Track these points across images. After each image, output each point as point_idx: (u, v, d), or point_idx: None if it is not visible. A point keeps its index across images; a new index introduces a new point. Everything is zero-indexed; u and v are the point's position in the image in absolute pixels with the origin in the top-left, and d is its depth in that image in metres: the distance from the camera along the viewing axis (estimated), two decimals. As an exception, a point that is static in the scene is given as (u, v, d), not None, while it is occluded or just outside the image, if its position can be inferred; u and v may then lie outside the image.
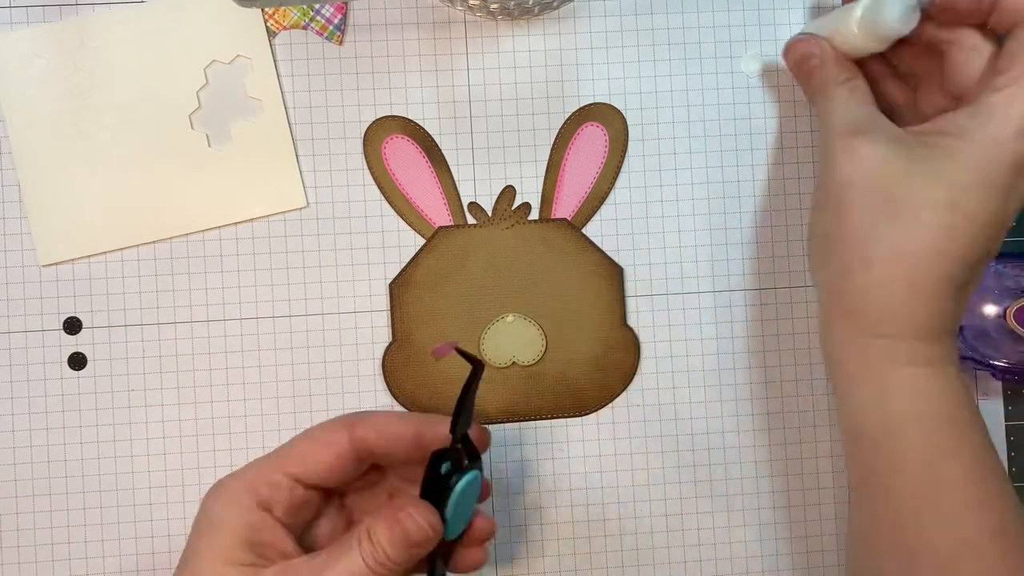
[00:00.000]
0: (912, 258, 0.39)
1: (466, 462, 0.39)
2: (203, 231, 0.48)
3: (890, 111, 0.46)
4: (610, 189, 0.49)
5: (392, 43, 0.48)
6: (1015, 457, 0.50)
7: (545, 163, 0.49)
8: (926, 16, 0.42)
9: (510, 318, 0.49)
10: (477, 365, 0.39)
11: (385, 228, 0.48)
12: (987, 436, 0.41)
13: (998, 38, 0.42)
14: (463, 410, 0.39)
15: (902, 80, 0.46)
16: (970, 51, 0.42)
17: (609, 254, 0.49)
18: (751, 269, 0.49)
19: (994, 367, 0.47)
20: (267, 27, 0.48)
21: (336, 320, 0.48)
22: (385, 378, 0.48)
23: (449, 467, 0.39)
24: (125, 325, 0.48)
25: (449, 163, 0.48)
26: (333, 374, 0.48)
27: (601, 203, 0.49)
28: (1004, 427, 0.50)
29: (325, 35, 0.48)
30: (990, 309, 0.47)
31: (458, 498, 0.39)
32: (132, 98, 0.47)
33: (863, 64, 0.45)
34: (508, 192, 0.49)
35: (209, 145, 0.48)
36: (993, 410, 0.50)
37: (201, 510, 0.40)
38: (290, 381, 0.48)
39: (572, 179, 0.49)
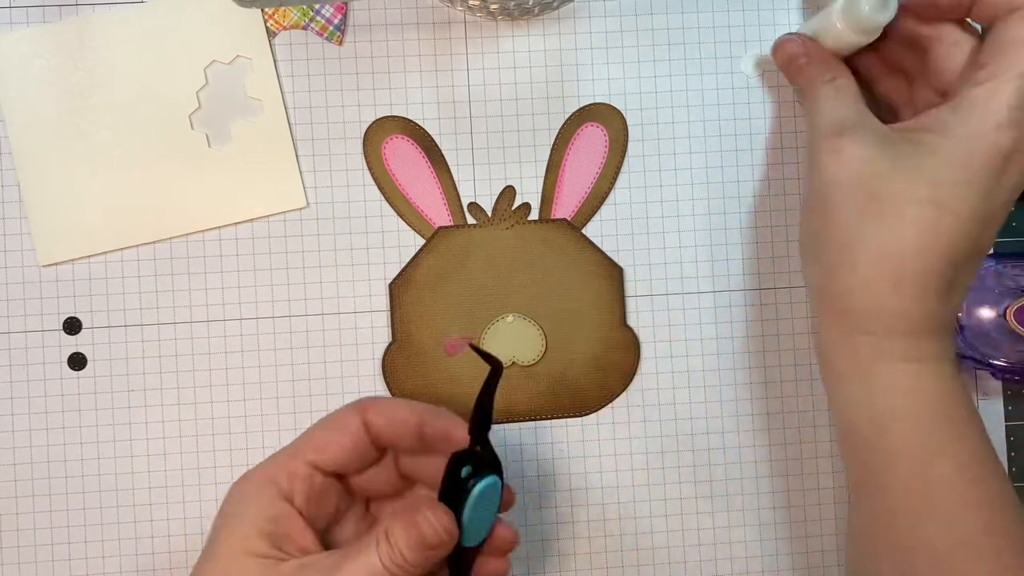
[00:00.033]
0: (897, 256, 0.39)
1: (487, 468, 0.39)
2: (203, 231, 0.48)
3: (888, 108, 0.46)
4: (610, 189, 0.49)
5: (392, 43, 0.48)
6: (1015, 457, 0.50)
7: (545, 163, 0.49)
8: (909, 10, 0.43)
9: (510, 318, 0.49)
10: (496, 365, 0.39)
11: (385, 228, 0.48)
12: (983, 433, 0.41)
13: (979, 32, 0.42)
14: (482, 412, 0.39)
15: (897, 76, 0.46)
16: (951, 46, 0.42)
17: (609, 254, 0.49)
18: (751, 269, 0.49)
19: (994, 367, 0.47)
20: (267, 27, 0.48)
21: (336, 320, 0.48)
22: (385, 378, 0.48)
23: (470, 471, 0.39)
24: (125, 325, 0.48)
25: (449, 163, 0.48)
26: (333, 374, 0.48)
27: (601, 203, 0.49)
28: (1004, 427, 0.50)
29: (325, 35, 0.48)
30: (990, 309, 0.47)
31: (475, 503, 0.38)
32: (132, 98, 0.47)
33: (860, 61, 0.46)
34: (508, 192, 0.49)
35: (209, 145, 0.48)
36: (993, 410, 0.50)
37: (224, 502, 0.41)
38: (290, 381, 0.48)
39: (572, 179, 0.49)
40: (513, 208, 0.49)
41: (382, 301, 0.48)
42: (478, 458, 0.39)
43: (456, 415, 0.42)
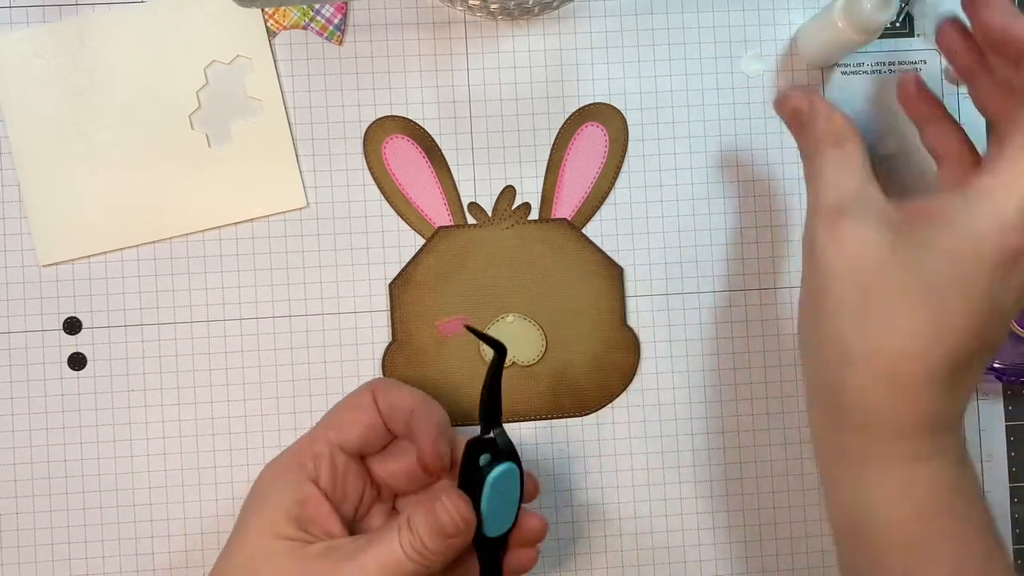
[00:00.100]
0: (893, 357, 0.36)
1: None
2: (203, 231, 0.48)
3: (933, 156, 0.45)
4: (610, 189, 0.49)
5: (392, 43, 0.48)
6: (1015, 457, 0.50)
7: (545, 163, 0.49)
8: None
9: (510, 318, 0.48)
10: (499, 348, 0.39)
11: (385, 228, 0.48)
12: (986, 526, 0.38)
13: None
14: (490, 398, 0.39)
15: (944, 123, 0.44)
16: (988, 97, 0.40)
17: (609, 254, 0.49)
18: (751, 269, 0.49)
19: (995, 369, 0.47)
20: (267, 27, 0.48)
21: (336, 320, 0.48)
22: (385, 378, 0.48)
23: (489, 458, 0.39)
24: (125, 325, 0.48)
25: (449, 163, 0.48)
26: (333, 374, 0.48)
27: (601, 203, 0.49)
28: (1004, 427, 0.50)
29: (325, 35, 0.48)
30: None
31: (491, 491, 0.38)
32: (132, 98, 0.47)
33: (911, 106, 0.45)
34: (508, 192, 0.49)
35: (209, 145, 0.48)
36: (993, 410, 0.50)
37: (253, 487, 0.42)
38: (290, 381, 0.48)
39: (572, 179, 0.49)
40: (513, 208, 0.49)
41: (382, 301, 0.48)
42: (495, 446, 0.39)
43: (442, 415, 0.43)
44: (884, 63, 0.50)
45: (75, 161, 0.47)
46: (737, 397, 0.49)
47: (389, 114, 0.48)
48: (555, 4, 0.47)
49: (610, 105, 0.49)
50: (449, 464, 0.41)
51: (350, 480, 0.42)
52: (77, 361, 0.47)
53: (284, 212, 0.48)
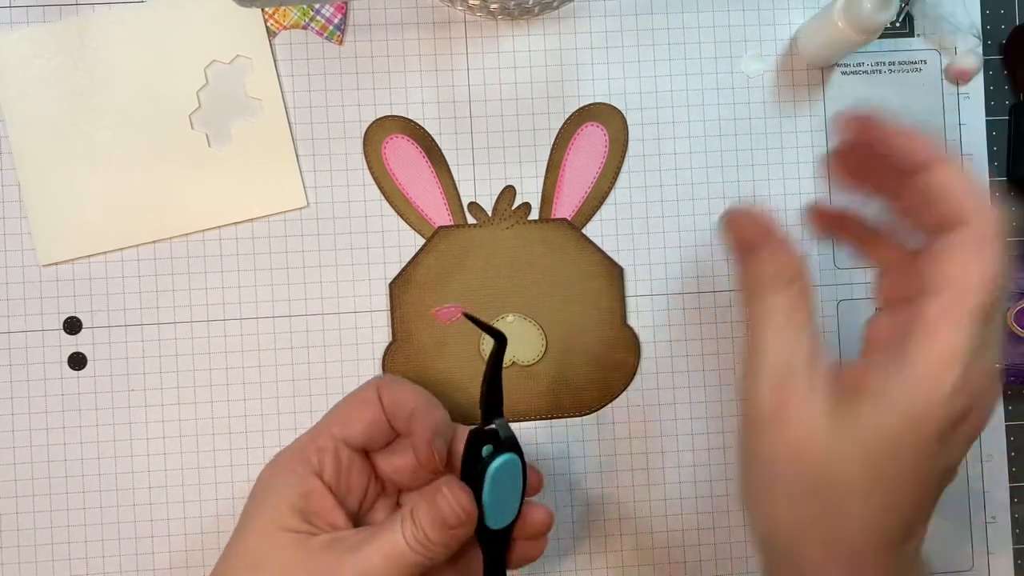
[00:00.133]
0: (846, 545, 0.35)
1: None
2: (203, 231, 0.48)
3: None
4: (610, 189, 0.49)
5: (392, 43, 0.48)
6: (1015, 457, 0.50)
7: (545, 163, 0.49)
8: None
9: (510, 318, 0.48)
10: (499, 337, 0.38)
11: (385, 228, 0.48)
12: None
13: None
14: (491, 389, 0.39)
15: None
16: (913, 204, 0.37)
17: (609, 254, 0.49)
18: (751, 269, 0.49)
19: (994, 367, 0.47)
20: (267, 27, 0.48)
21: (336, 320, 0.48)
22: (391, 375, 0.48)
23: (491, 450, 0.39)
24: (125, 325, 0.48)
25: (449, 163, 0.48)
26: (333, 374, 0.48)
27: (601, 203, 0.49)
28: (1004, 427, 0.50)
29: (325, 35, 0.48)
30: (990, 309, 0.47)
31: (492, 482, 0.38)
32: (132, 98, 0.47)
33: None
34: (508, 192, 0.49)
35: (209, 145, 0.48)
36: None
37: (258, 480, 0.42)
38: (290, 381, 0.48)
39: (572, 179, 0.49)
40: (513, 208, 0.49)
41: (382, 301, 0.48)
42: (496, 437, 0.39)
43: (442, 414, 0.43)
44: (884, 63, 0.50)
45: (75, 161, 0.47)
46: (737, 397, 0.49)
47: (389, 114, 0.48)
48: (555, 4, 0.47)
49: (610, 105, 0.49)
50: (445, 464, 0.41)
51: (354, 474, 0.42)
52: (77, 361, 0.47)
53: (284, 212, 0.48)
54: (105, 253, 0.48)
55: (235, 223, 0.48)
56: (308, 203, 0.48)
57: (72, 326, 0.47)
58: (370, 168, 0.48)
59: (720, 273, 0.49)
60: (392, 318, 0.48)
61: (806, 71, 0.50)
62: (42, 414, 0.47)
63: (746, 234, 0.38)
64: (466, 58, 0.49)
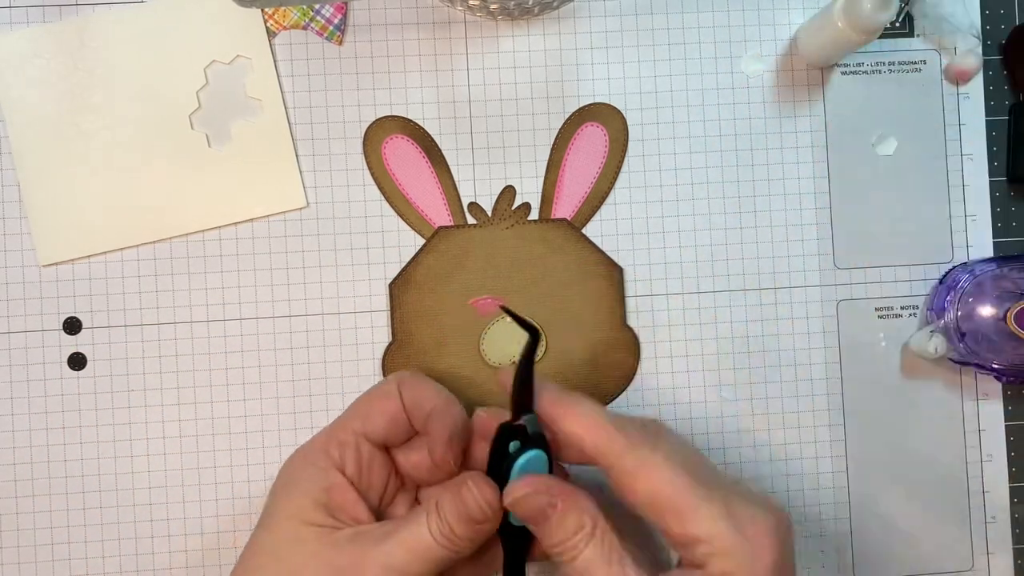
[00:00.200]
0: None
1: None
2: (203, 231, 0.48)
3: None
4: (610, 189, 0.49)
5: (392, 43, 0.48)
6: (1015, 457, 0.50)
7: (545, 163, 0.49)
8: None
9: (510, 318, 0.48)
10: (533, 333, 0.38)
11: (385, 228, 0.48)
12: None
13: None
14: (522, 384, 0.38)
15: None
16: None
17: (609, 254, 0.49)
18: (751, 269, 0.49)
19: (995, 369, 0.47)
20: (267, 27, 0.48)
21: (336, 320, 0.48)
22: (385, 378, 0.48)
23: (518, 445, 0.39)
24: (125, 325, 0.48)
25: (449, 163, 0.48)
26: (333, 374, 0.48)
27: (601, 203, 0.49)
28: (1004, 427, 0.50)
29: (325, 35, 0.48)
30: (990, 312, 0.47)
31: (518, 477, 0.38)
32: (132, 98, 0.47)
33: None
34: (508, 192, 0.49)
35: (209, 145, 0.48)
36: (993, 411, 0.50)
37: (279, 474, 0.42)
38: (290, 381, 0.48)
39: (572, 179, 0.49)
40: (513, 208, 0.49)
41: (382, 301, 0.48)
42: (525, 432, 0.39)
43: (460, 415, 0.42)
44: (884, 63, 0.50)
45: (75, 161, 0.47)
46: (737, 397, 0.49)
47: (389, 114, 0.48)
48: (555, 4, 0.47)
49: (610, 105, 0.49)
50: (460, 465, 0.41)
51: (375, 469, 0.42)
52: (77, 361, 0.47)
53: (284, 212, 0.48)
54: (105, 253, 0.48)
55: (235, 223, 0.48)
56: (308, 203, 0.48)
57: (72, 326, 0.47)
58: (370, 168, 0.48)
59: (720, 273, 0.49)
60: (392, 318, 0.48)
61: (806, 71, 0.50)
62: (42, 414, 0.47)
63: (542, 501, 0.38)
64: (466, 58, 0.49)
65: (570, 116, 0.49)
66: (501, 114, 0.49)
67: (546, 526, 0.37)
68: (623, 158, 0.49)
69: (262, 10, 0.48)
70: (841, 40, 0.45)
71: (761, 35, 0.49)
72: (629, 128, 0.49)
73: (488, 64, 0.49)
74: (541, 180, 0.49)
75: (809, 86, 0.50)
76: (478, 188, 0.49)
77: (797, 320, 0.49)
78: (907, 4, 0.50)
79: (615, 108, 0.49)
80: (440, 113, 0.48)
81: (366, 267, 0.48)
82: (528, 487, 0.38)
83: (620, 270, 0.49)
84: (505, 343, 0.48)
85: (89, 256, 0.47)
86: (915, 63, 0.50)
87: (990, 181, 0.50)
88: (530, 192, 0.49)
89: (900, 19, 0.50)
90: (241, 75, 0.48)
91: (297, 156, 0.48)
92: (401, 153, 0.48)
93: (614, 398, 0.49)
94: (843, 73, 0.50)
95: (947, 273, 0.50)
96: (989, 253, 0.50)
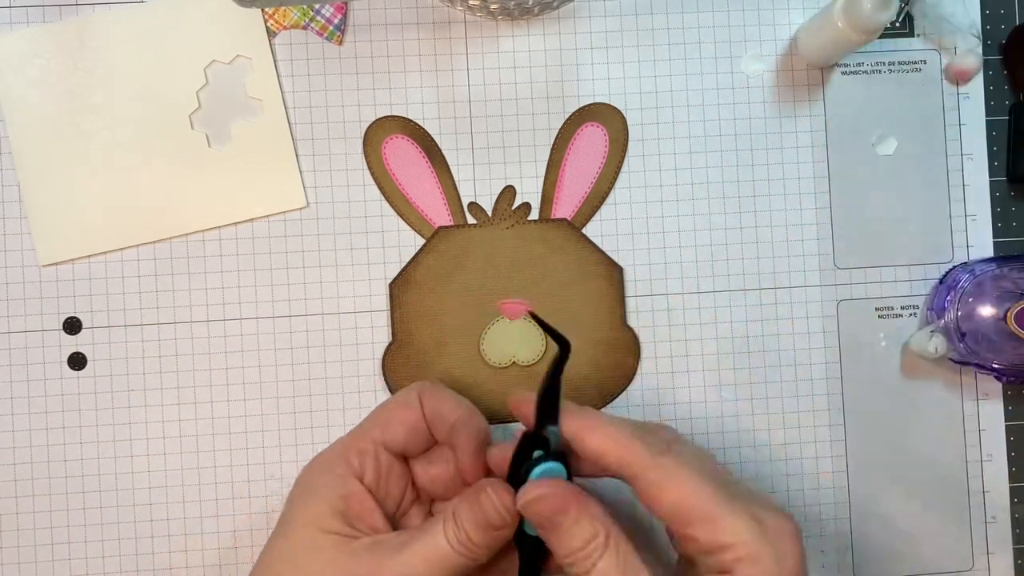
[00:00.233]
0: None
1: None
2: (203, 231, 0.48)
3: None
4: (610, 189, 0.49)
5: (392, 43, 0.48)
6: (1015, 457, 0.50)
7: (545, 163, 0.49)
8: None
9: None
10: (565, 345, 0.38)
11: (385, 228, 0.48)
12: None
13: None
14: (549, 396, 0.38)
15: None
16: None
17: (609, 254, 0.49)
18: (751, 269, 0.49)
19: (996, 369, 0.47)
20: (267, 27, 0.48)
21: (336, 320, 0.48)
22: (385, 378, 0.48)
23: (542, 454, 0.38)
24: (125, 325, 0.48)
25: (449, 163, 0.48)
26: (333, 374, 0.48)
27: (601, 203, 0.49)
28: (1004, 427, 0.50)
29: (325, 35, 0.48)
30: (990, 312, 0.47)
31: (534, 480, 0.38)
32: (132, 98, 0.47)
33: None
34: (508, 192, 0.49)
35: (209, 145, 0.48)
36: (993, 411, 0.50)
37: (296, 482, 0.42)
38: (290, 381, 0.48)
39: (572, 179, 0.49)
40: (513, 208, 0.49)
41: (382, 301, 0.48)
42: (547, 443, 0.38)
43: (484, 426, 0.42)
44: (884, 63, 0.50)
45: (75, 161, 0.47)
46: (737, 397, 0.49)
47: (389, 114, 0.48)
48: (555, 4, 0.47)
49: (610, 105, 0.49)
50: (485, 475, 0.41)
51: (393, 479, 0.42)
52: (77, 361, 0.47)
53: (284, 212, 0.48)
54: (105, 253, 0.48)
55: (235, 223, 0.48)
56: (308, 203, 0.48)
57: (72, 326, 0.47)
58: (370, 168, 0.48)
59: (720, 273, 0.49)
60: (392, 318, 0.48)
61: (806, 71, 0.50)
62: (42, 414, 0.47)
63: (557, 504, 0.37)
64: (466, 58, 0.49)
65: (570, 116, 0.49)
66: (501, 114, 0.49)
67: (559, 534, 0.37)
68: (623, 158, 0.49)
69: (262, 10, 0.48)
70: (841, 40, 0.45)
71: (761, 35, 0.49)
72: (629, 128, 0.49)
73: (488, 64, 0.49)
74: (541, 180, 0.49)
75: (809, 86, 0.50)
76: (478, 188, 0.49)
77: (797, 320, 0.49)
78: (907, 4, 0.50)
79: (615, 108, 0.49)
80: (440, 113, 0.48)
81: (366, 267, 0.48)
82: (542, 488, 0.38)
83: (620, 270, 0.49)
84: (505, 343, 0.48)
85: (89, 256, 0.47)
86: (915, 63, 0.50)
87: (990, 181, 0.50)
88: (530, 192, 0.49)
89: (900, 19, 0.50)
90: (241, 75, 0.48)
91: (297, 156, 0.48)
92: (401, 153, 0.48)
93: (614, 398, 0.49)
94: (843, 73, 0.50)
95: (947, 273, 0.50)
96: (989, 253, 0.50)
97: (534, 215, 0.49)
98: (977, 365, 0.48)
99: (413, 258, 0.48)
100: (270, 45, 0.48)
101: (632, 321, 0.49)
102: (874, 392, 0.50)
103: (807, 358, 0.49)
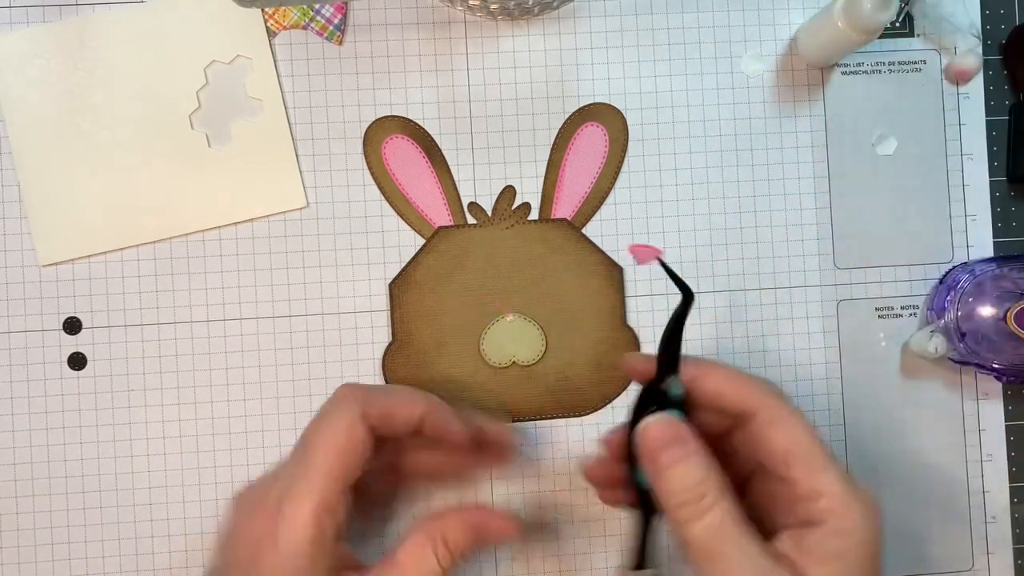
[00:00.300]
0: None
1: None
2: (203, 231, 0.48)
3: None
4: (610, 189, 0.49)
5: (392, 43, 0.48)
6: (1015, 457, 0.50)
7: (545, 163, 0.49)
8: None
9: (510, 318, 0.48)
10: (688, 293, 0.39)
11: (385, 228, 0.48)
12: None
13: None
14: (670, 346, 0.39)
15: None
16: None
17: (609, 254, 0.49)
18: (751, 269, 0.49)
19: (995, 369, 0.47)
20: (267, 27, 0.48)
21: (336, 320, 0.48)
22: (385, 378, 0.48)
23: (657, 408, 0.39)
24: (125, 325, 0.48)
25: (449, 163, 0.48)
26: (333, 374, 0.48)
27: (601, 203, 0.49)
28: (1004, 427, 0.50)
29: (325, 35, 0.48)
30: (990, 312, 0.47)
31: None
32: (132, 98, 0.47)
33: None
34: (508, 192, 0.49)
35: (209, 145, 0.48)
36: (993, 411, 0.50)
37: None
38: (290, 381, 0.48)
39: (572, 179, 0.49)
40: (513, 208, 0.49)
41: (382, 301, 0.48)
42: (665, 397, 0.39)
43: (432, 400, 0.42)
44: (884, 63, 0.50)
45: (75, 161, 0.47)
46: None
47: (389, 114, 0.48)
48: (555, 4, 0.47)
49: (610, 105, 0.49)
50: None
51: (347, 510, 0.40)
52: (77, 361, 0.47)
53: (284, 212, 0.48)
54: (105, 253, 0.48)
55: (235, 223, 0.48)
56: (308, 203, 0.48)
57: (72, 326, 0.47)
58: (370, 168, 0.48)
59: (720, 273, 0.49)
60: (392, 318, 0.48)
61: (806, 71, 0.50)
62: (42, 414, 0.47)
63: (668, 434, 0.38)
64: (466, 58, 0.49)
65: (570, 116, 0.49)
66: (501, 114, 0.49)
67: (671, 472, 0.37)
68: (623, 158, 0.49)
69: (262, 10, 0.48)
70: (841, 40, 0.45)
71: (761, 35, 0.50)
72: (629, 128, 0.49)
73: (488, 64, 0.49)
74: (541, 180, 0.49)
75: (809, 86, 0.50)
76: (478, 188, 0.49)
77: (797, 320, 0.49)
78: (907, 4, 0.50)
79: (615, 108, 0.49)
80: (440, 113, 0.48)
81: (366, 267, 0.48)
82: (659, 417, 0.38)
83: (620, 270, 0.49)
84: (505, 343, 0.48)
85: (89, 256, 0.47)
86: (915, 63, 0.50)
87: (990, 181, 0.50)
88: (530, 192, 0.49)
89: (900, 19, 0.50)
90: (241, 75, 0.48)
91: (297, 156, 0.48)
92: (401, 153, 0.48)
93: (614, 398, 0.49)
94: (843, 73, 0.50)
95: (947, 273, 0.50)
96: (989, 253, 0.50)
97: (534, 215, 0.49)
98: (977, 365, 0.48)
99: (413, 258, 0.48)
100: (270, 45, 0.48)
101: (632, 321, 0.49)
102: (874, 392, 0.50)
103: (807, 358, 0.49)
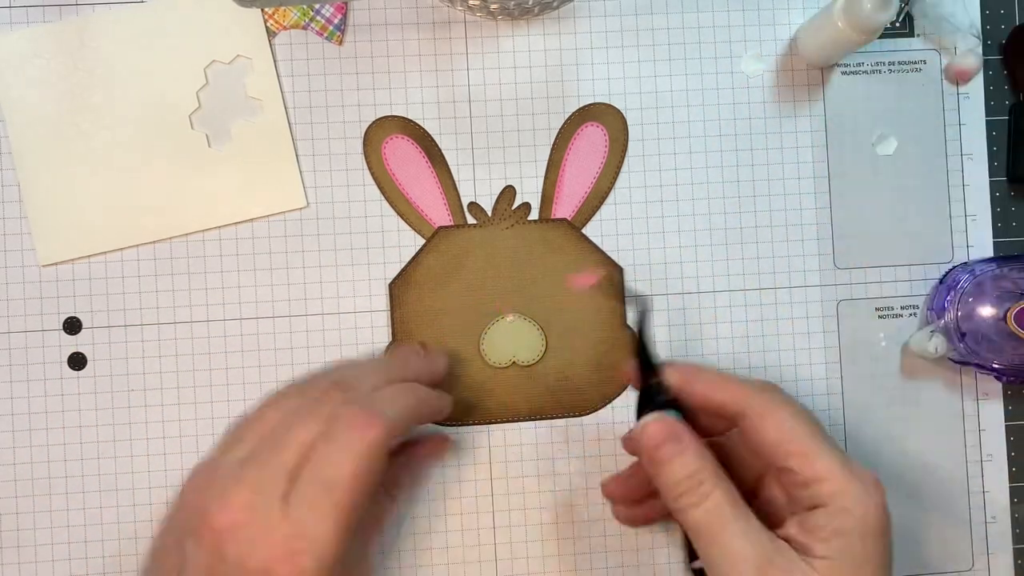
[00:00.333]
0: None
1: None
2: (203, 231, 0.48)
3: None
4: (610, 189, 0.49)
5: (392, 43, 0.48)
6: (1015, 457, 0.50)
7: (545, 163, 0.49)
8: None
9: (510, 318, 0.48)
10: (642, 302, 0.42)
11: (385, 228, 0.48)
12: None
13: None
14: (642, 351, 0.42)
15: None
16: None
17: (609, 254, 0.49)
18: (751, 269, 0.49)
19: (995, 369, 0.47)
20: (267, 27, 0.48)
21: (336, 320, 0.48)
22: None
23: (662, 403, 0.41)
24: (125, 325, 0.48)
25: (449, 163, 0.48)
26: (333, 374, 0.48)
27: (601, 203, 0.49)
28: (1004, 427, 0.50)
29: (325, 35, 0.48)
30: (990, 312, 0.47)
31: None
32: (132, 98, 0.47)
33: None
34: (508, 192, 0.49)
35: (209, 145, 0.48)
36: (993, 410, 0.50)
37: None
38: (290, 381, 0.48)
39: (572, 179, 0.49)
40: (513, 208, 0.49)
41: (382, 301, 0.48)
42: (659, 391, 0.41)
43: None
44: (884, 63, 0.50)
45: (75, 161, 0.47)
46: (737, 397, 0.49)
47: (389, 114, 0.48)
48: (555, 4, 0.47)
49: (610, 105, 0.49)
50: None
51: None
52: (77, 361, 0.47)
53: (284, 212, 0.48)
54: (105, 253, 0.48)
55: (235, 223, 0.48)
56: (308, 203, 0.48)
57: (72, 326, 0.47)
58: (370, 168, 0.48)
59: (720, 273, 0.49)
60: (392, 318, 0.48)
61: (806, 71, 0.50)
62: (42, 414, 0.47)
63: (666, 431, 0.40)
64: (466, 58, 0.49)
65: (570, 116, 0.49)
66: (501, 114, 0.49)
67: (668, 465, 0.39)
68: (623, 158, 0.49)
69: (262, 10, 0.48)
70: (841, 40, 0.45)
71: (761, 35, 0.50)
72: (629, 128, 0.49)
73: (488, 64, 0.49)
74: (541, 180, 0.49)
75: (809, 86, 0.50)
76: (478, 188, 0.49)
77: (797, 320, 0.49)
78: (907, 4, 0.50)
79: (615, 108, 0.49)
80: (440, 113, 0.48)
81: (366, 267, 0.48)
82: (655, 416, 0.40)
83: (620, 270, 0.49)
84: (505, 343, 0.48)
85: (89, 256, 0.47)
86: (915, 63, 0.50)
87: (990, 181, 0.50)
88: (530, 192, 0.49)
89: (900, 19, 0.50)
90: (241, 75, 0.48)
91: (297, 156, 0.48)
92: (401, 153, 0.48)
93: (614, 398, 0.49)
94: (843, 73, 0.50)
95: (947, 273, 0.50)
96: (989, 253, 0.50)
97: (534, 215, 0.49)
98: (977, 365, 0.48)
99: (413, 258, 0.48)
100: (270, 45, 0.48)
101: (632, 321, 0.49)
102: (874, 392, 0.50)
103: (807, 358, 0.49)
